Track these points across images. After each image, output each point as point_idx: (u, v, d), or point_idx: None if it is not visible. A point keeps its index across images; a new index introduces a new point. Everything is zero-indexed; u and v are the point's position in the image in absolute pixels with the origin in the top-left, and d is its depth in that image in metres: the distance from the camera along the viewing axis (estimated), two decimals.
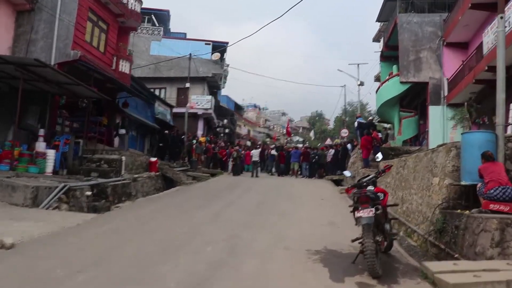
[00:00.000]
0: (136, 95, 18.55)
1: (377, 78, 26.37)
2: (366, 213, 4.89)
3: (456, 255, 5.99)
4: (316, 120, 75.30)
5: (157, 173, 16.34)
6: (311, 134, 49.15)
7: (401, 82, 17.80)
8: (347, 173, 6.35)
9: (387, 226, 5.51)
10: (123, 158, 14.39)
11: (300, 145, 32.13)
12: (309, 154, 20.61)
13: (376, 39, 28.38)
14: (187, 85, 25.04)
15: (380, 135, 17.04)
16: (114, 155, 14.60)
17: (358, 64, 32.07)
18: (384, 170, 5.90)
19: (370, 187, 5.45)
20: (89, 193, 11.25)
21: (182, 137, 22.90)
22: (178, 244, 6.40)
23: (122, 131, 18.17)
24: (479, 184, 6.20)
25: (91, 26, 16.33)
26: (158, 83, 30.06)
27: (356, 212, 5.09)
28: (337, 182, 18.18)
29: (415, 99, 19.91)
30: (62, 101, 15.55)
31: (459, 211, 6.54)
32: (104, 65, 16.92)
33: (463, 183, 6.73)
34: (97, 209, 11.00)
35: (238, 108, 53.79)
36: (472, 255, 5.53)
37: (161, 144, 21.54)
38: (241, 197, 12.42)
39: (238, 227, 7.82)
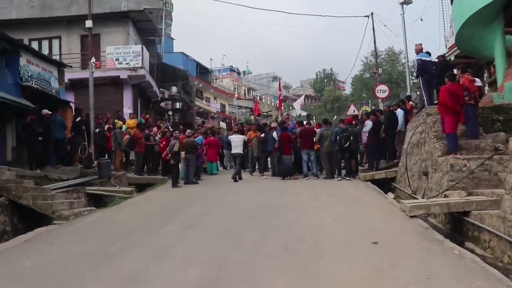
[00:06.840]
0: None
1: None
2: None
3: None
4: (325, 83, 71.33)
5: None
6: None
7: None
8: None
9: None
10: None
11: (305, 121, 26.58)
12: (312, 135, 16.90)
13: None
14: (88, 24, 18.69)
15: (477, 82, 11.72)
16: None
17: None
18: None
19: None
20: None
21: (78, 119, 17.22)
22: None
23: None
24: None
25: None
26: (48, 30, 24.65)
27: None
28: (380, 184, 15.02)
29: None
30: None
31: None
32: None
33: None
34: None
35: (204, 72, 50.37)
36: None
37: (40, 138, 15.84)
38: (163, 259, 6.30)
39: None
